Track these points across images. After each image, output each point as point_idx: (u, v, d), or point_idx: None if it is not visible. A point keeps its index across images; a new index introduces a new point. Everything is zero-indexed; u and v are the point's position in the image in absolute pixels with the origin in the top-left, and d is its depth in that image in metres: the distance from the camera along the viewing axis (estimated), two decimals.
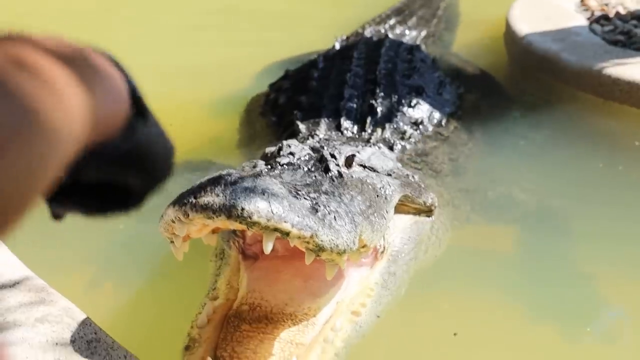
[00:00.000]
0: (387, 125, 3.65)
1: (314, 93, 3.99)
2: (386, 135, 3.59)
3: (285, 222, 2.05)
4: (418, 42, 5.24)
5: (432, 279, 3.07)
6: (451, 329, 2.82)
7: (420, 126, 3.76)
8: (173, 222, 2.14)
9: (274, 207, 2.03)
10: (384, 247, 2.71)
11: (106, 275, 3.16)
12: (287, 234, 2.07)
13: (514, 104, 4.55)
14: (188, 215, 2.07)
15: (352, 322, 2.48)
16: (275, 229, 2.05)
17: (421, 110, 3.87)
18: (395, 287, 2.74)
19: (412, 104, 3.86)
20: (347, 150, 2.71)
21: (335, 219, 2.19)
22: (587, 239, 3.42)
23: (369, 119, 3.67)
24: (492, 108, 4.38)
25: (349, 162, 2.64)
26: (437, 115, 3.93)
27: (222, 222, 2.07)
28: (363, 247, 2.37)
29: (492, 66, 5.02)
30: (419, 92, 3.99)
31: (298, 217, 2.08)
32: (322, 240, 2.13)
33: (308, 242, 2.13)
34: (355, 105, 3.79)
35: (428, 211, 2.98)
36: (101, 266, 3.21)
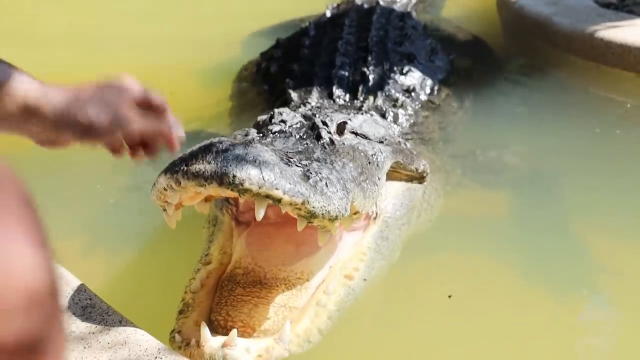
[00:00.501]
0: (379, 93, 3.66)
1: (305, 61, 3.99)
2: (378, 103, 3.60)
3: (276, 189, 2.06)
4: (409, 9, 5.23)
5: (426, 245, 3.09)
6: (445, 292, 2.85)
7: (412, 93, 3.77)
8: (165, 190, 2.14)
9: (265, 174, 2.04)
10: (376, 214, 2.72)
11: (101, 242, 3.18)
12: (279, 200, 2.08)
13: (506, 69, 4.55)
14: (180, 182, 2.08)
15: (345, 286, 2.50)
16: (267, 196, 2.06)
17: (413, 77, 3.87)
18: (388, 252, 2.76)
19: (404, 71, 3.87)
20: (339, 117, 2.71)
21: (326, 186, 2.20)
22: (579, 202, 3.43)
23: (361, 87, 3.68)
24: (484, 74, 4.39)
25: (340, 129, 2.64)
26: (428, 82, 3.93)
27: (214, 190, 2.07)
28: (355, 213, 2.38)
29: (484, 31, 5.01)
30: (411, 59, 3.99)
31: (289, 184, 2.09)
32: (313, 207, 2.14)
33: (300, 209, 2.13)
34: (347, 73, 3.80)
35: (420, 178, 2.99)
36: (96, 233, 3.23)
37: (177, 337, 2.26)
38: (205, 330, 2.21)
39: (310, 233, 2.46)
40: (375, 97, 3.63)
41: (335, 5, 5.15)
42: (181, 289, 2.42)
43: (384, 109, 3.55)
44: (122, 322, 2.25)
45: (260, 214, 2.14)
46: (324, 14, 4.81)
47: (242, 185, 2.02)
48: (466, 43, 4.74)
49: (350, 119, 2.76)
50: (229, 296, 2.39)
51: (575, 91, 4.35)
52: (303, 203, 2.11)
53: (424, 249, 3.07)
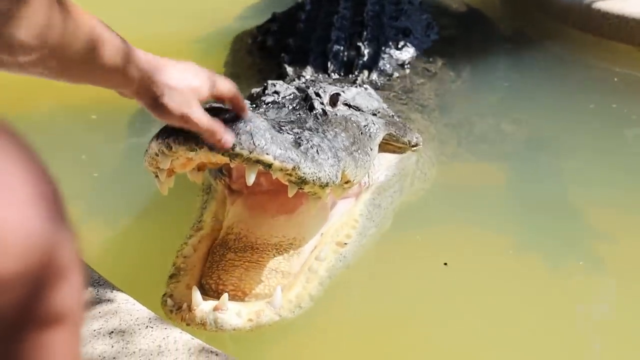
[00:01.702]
0: (373, 68, 3.67)
1: (301, 35, 3.99)
2: (373, 78, 3.61)
3: (267, 154, 2.06)
4: None
5: (421, 214, 3.09)
6: (439, 262, 2.85)
7: (407, 66, 3.77)
8: (157, 155, 2.14)
9: (256, 140, 2.04)
10: (369, 184, 2.73)
11: (92, 211, 3.17)
12: (270, 166, 2.08)
13: (503, 41, 4.52)
14: (171, 147, 2.08)
15: (336, 253, 2.51)
16: (258, 161, 2.06)
17: (408, 52, 3.87)
18: (380, 219, 2.77)
19: (399, 46, 3.88)
20: (332, 89, 2.71)
21: (317, 153, 2.20)
22: (575, 172, 3.43)
23: (355, 61, 3.69)
24: (481, 45, 4.37)
25: (333, 100, 2.64)
26: (424, 55, 3.94)
27: (205, 155, 2.08)
28: (347, 182, 2.39)
29: (481, 2, 4.98)
30: (406, 34, 3.99)
31: (280, 149, 2.09)
32: (304, 173, 2.14)
33: (290, 175, 2.14)
34: (342, 48, 3.80)
35: (413, 147, 3.00)
36: (87, 202, 3.23)
37: (169, 301, 2.28)
38: (196, 294, 2.22)
39: (302, 202, 2.46)
40: (370, 71, 3.64)
41: None
42: (172, 258, 2.42)
43: (379, 84, 3.55)
44: (113, 291, 2.25)
45: (251, 179, 2.14)
46: None
47: (232, 150, 2.01)
48: (462, 14, 4.72)
49: (343, 91, 2.76)
50: (220, 261, 2.41)
51: (572, 63, 4.33)
52: (294, 169, 2.11)
53: (419, 218, 3.07)
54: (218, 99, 2.04)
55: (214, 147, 2.01)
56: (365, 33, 3.88)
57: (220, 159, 2.10)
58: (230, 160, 2.07)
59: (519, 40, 4.54)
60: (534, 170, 3.40)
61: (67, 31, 1.64)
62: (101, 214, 3.11)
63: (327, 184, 2.23)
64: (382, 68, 3.69)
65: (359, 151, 2.48)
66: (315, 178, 2.18)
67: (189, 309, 2.22)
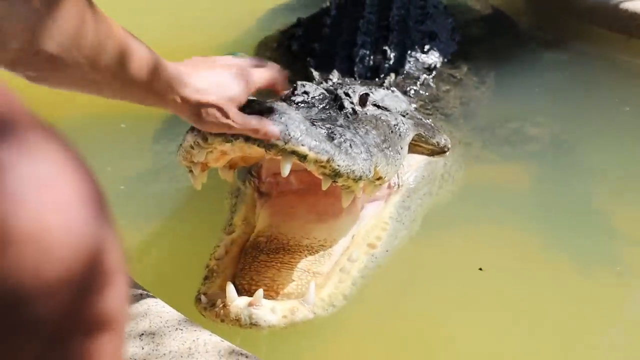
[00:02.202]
0: (400, 71, 3.68)
1: (327, 40, 4.00)
2: (399, 81, 3.61)
3: (302, 145, 2.08)
4: None
5: (448, 216, 3.09)
6: (467, 263, 2.83)
7: (434, 71, 3.77)
8: (192, 148, 2.16)
9: (291, 131, 2.06)
10: (398, 185, 2.74)
11: (121, 217, 3.19)
12: (305, 157, 2.10)
13: (528, 42, 4.49)
14: (207, 139, 2.09)
15: (368, 254, 2.52)
16: (293, 152, 2.08)
17: (434, 55, 3.87)
18: (410, 222, 2.77)
19: (425, 50, 3.88)
20: (361, 89, 2.72)
21: (350, 147, 2.23)
22: (601, 173, 3.40)
23: (382, 65, 3.69)
24: (505, 48, 4.34)
25: (362, 100, 2.65)
26: (450, 59, 3.93)
27: (240, 147, 2.10)
28: (378, 179, 2.40)
29: (505, 4, 4.95)
30: (432, 38, 4.00)
31: (315, 141, 2.11)
32: (338, 165, 2.16)
33: (324, 167, 2.16)
34: (368, 52, 3.81)
35: (441, 152, 3.00)
36: (115, 206, 3.24)
37: (203, 298, 2.29)
38: (231, 290, 2.23)
39: (332, 202, 2.48)
40: (396, 75, 3.64)
41: None
42: (202, 262, 2.44)
43: (406, 88, 3.55)
44: (142, 294, 2.26)
45: (286, 170, 2.14)
46: None
47: (268, 140, 2.02)
48: (487, 17, 4.70)
49: (372, 92, 2.77)
50: (252, 262, 2.42)
51: (598, 62, 4.28)
52: (328, 161, 2.13)
53: (446, 220, 3.06)
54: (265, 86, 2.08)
55: (249, 139, 2.04)
56: (391, 37, 3.89)
57: (255, 151, 2.12)
58: (266, 152, 2.09)
59: (544, 40, 4.51)
60: (560, 169, 3.38)
61: (99, 40, 1.62)
62: (129, 220, 3.13)
63: (360, 178, 2.25)
64: (408, 71, 3.69)
65: (390, 149, 2.49)
66: (349, 171, 2.20)
67: (224, 305, 2.22)
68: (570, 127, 3.70)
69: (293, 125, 2.07)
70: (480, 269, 2.80)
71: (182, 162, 2.26)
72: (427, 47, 3.89)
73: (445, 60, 3.90)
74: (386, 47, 3.78)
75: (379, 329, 2.61)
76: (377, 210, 2.69)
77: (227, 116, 1.93)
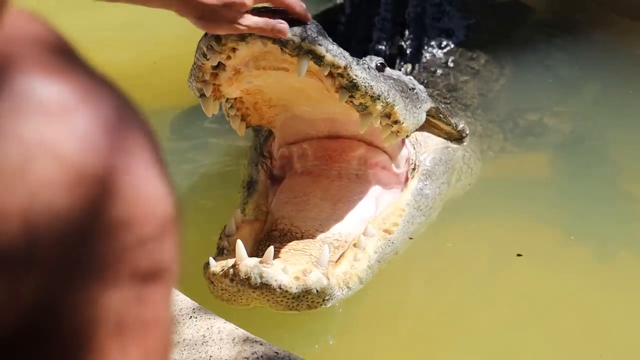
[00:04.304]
0: (416, 66, 3.65)
1: (342, 37, 3.97)
2: (415, 73, 3.58)
3: (320, 44, 2.04)
4: None
5: (469, 207, 3.05)
6: (492, 253, 2.79)
7: (450, 64, 3.74)
8: (205, 55, 2.10)
9: (309, 30, 2.02)
10: (415, 165, 2.70)
11: None
12: (321, 58, 2.06)
13: (547, 32, 4.43)
14: (220, 40, 2.05)
15: (384, 238, 2.45)
16: (309, 52, 2.03)
17: (451, 51, 3.84)
18: (427, 209, 2.70)
19: (442, 46, 3.85)
20: (378, 59, 2.69)
21: (369, 69, 2.21)
22: (623, 161, 3.34)
23: (398, 60, 3.66)
24: (524, 39, 4.29)
25: (380, 68, 2.62)
26: (467, 53, 3.89)
27: (254, 46, 2.04)
28: (395, 122, 2.36)
29: None
30: (449, 35, 3.96)
31: (333, 45, 2.08)
32: (356, 75, 2.13)
33: (342, 75, 2.11)
34: (383, 47, 3.79)
35: (459, 138, 2.97)
36: None
37: (212, 261, 2.21)
38: (241, 248, 2.15)
39: (345, 185, 2.44)
40: (412, 69, 3.61)
41: None
42: (214, 251, 2.38)
43: (422, 79, 3.52)
44: None
45: (302, 69, 2.07)
46: None
47: (284, 35, 1.99)
48: (505, 6, 4.65)
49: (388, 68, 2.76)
50: (265, 249, 2.36)
51: (617, 51, 4.21)
52: (345, 68, 2.10)
53: (467, 211, 3.02)
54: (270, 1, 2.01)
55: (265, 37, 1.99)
56: (407, 33, 3.86)
57: (270, 49, 2.06)
58: (281, 50, 2.03)
59: (564, 29, 4.44)
60: (582, 159, 3.32)
61: None
62: None
63: (378, 97, 2.20)
64: (425, 65, 3.66)
65: (408, 100, 2.47)
66: (367, 85, 2.16)
67: (233, 265, 2.13)
68: (590, 116, 3.64)
69: (311, 28, 2.03)
70: (519, 255, 2.74)
71: (192, 85, 2.21)
72: (444, 43, 3.86)
73: (463, 52, 3.86)
74: (402, 43, 3.76)
75: (395, 322, 2.57)
76: (394, 199, 2.63)
77: (231, 16, 1.90)
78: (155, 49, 4.15)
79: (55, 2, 4.11)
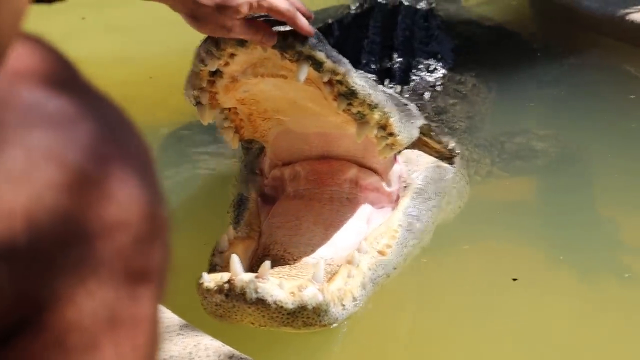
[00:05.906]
0: (405, 88, 3.67)
1: None
2: (404, 96, 3.60)
3: (320, 50, 2.06)
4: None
5: (457, 233, 3.05)
6: (480, 277, 2.81)
7: (438, 88, 3.78)
8: (203, 61, 2.10)
9: (310, 39, 2.04)
10: (407, 183, 2.71)
11: None
12: (321, 64, 2.07)
13: (534, 55, 4.48)
14: (219, 44, 2.06)
15: (377, 258, 2.44)
16: (309, 57, 2.04)
17: (439, 74, 3.88)
18: (420, 232, 2.69)
19: (430, 69, 3.89)
20: (370, 75, 2.75)
21: (367, 78, 2.25)
22: (610, 185, 3.38)
23: (386, 81, 3.69)
24: (511, 62, 4.34)
25: None
26: (455, 77, 3.93)
27: (255, 51, 2.05)
28: (390, 134, 2.37)
29: (511, 14, 4.95)
30: (437, 59, 4.00)
31: (333, 52, 2.10)
32: (355, 83, 2.15)
33: (341, 83, 2.13)
34: (372, 69, 3.82)
35: (449, 157, 2.99)
36: None
37: (206, 276, 2.18)
38: (235, 264, 2.14)
39: (337, 208, 2.44)
40: (401, 90, 3.64)
41: (357, 4, 5.13)
42: (204, 268, 2.37)
43: (411, 101, 3.55)
44: None
45: (302, 75, 2.07)
46: (347, 14, 4.81)
47: (284, 41, 2.01)
48: (492, 31, 4.70)
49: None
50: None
51: (603, 74, 4.26)
52: (344, 75, 2.11)
53: (455, 237, 3.02)
54: (268, 12, 2.00)
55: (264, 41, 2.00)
56: (395, 56, 3.90)
57: (270, 55, 2.07)
58: (282, 55, 2.04)
59: (549, 53, 4.49)
60: (569, 182, 3.35)
61: None
62: None
63: (376, 105, 2.22)
64: (413, 88, 3.69)
65: (403, 114, 2.49)
66: (366, 93, 2.17)
67: (228, 280, 2.11)
68: (576, 139, 3.67)
69: (312, 38, 2.04)
70: (515, 279, 2.76)
71: (189, 93, 2.22)
72: (432, 66, 3.90)
73: (451, 76, 3.90)
74: (390, 65, 3.79)
75: (385, 345, 2.57)
76: (386, 218, 2.62)
77: (224, 19, 1.91)
78: (151, 64, 4.16)
79: (60, 26, 4.14)
